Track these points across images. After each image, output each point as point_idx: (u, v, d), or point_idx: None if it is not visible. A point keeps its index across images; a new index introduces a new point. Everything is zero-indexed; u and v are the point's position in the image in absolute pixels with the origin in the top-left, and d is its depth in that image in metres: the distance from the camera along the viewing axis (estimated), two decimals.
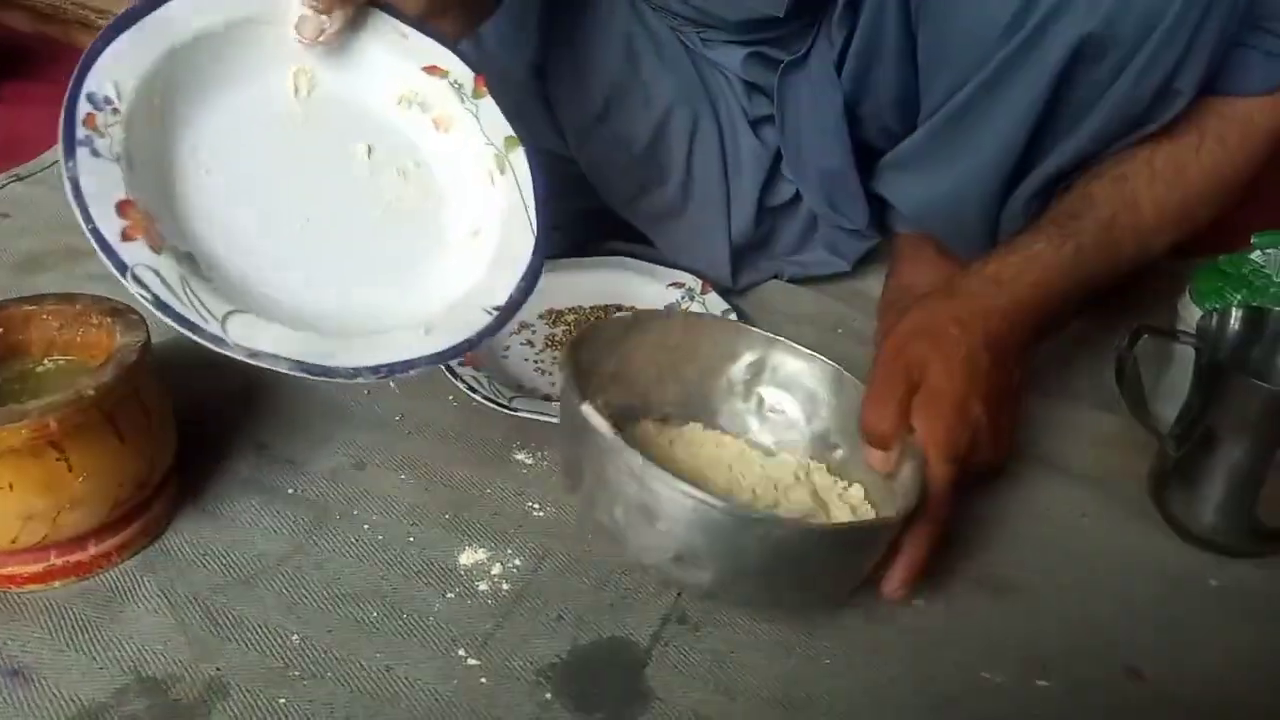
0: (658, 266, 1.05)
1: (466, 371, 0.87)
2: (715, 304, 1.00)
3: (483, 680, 0.64)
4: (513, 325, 0.82)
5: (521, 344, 0.97)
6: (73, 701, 0.61)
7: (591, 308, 1.01)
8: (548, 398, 0.89)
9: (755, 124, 1.01)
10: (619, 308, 1.00)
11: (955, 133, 0.86)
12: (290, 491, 0.78)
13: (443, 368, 0.84)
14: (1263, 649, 0.69)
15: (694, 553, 0.59)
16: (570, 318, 0.99)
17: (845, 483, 0.74)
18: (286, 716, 0.61)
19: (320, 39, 0.65)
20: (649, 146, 0.99)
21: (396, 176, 0.70)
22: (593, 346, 0.71)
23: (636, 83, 0.98)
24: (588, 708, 0.62)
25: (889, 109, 0.94)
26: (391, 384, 0.90)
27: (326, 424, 0.85)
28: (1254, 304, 0.80)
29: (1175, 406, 0.78)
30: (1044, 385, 0.94)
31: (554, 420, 0.78)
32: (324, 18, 0.65)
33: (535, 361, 0.95)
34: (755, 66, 0.98)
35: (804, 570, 0.61)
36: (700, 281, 1.02)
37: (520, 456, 0.83)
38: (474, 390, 0.85)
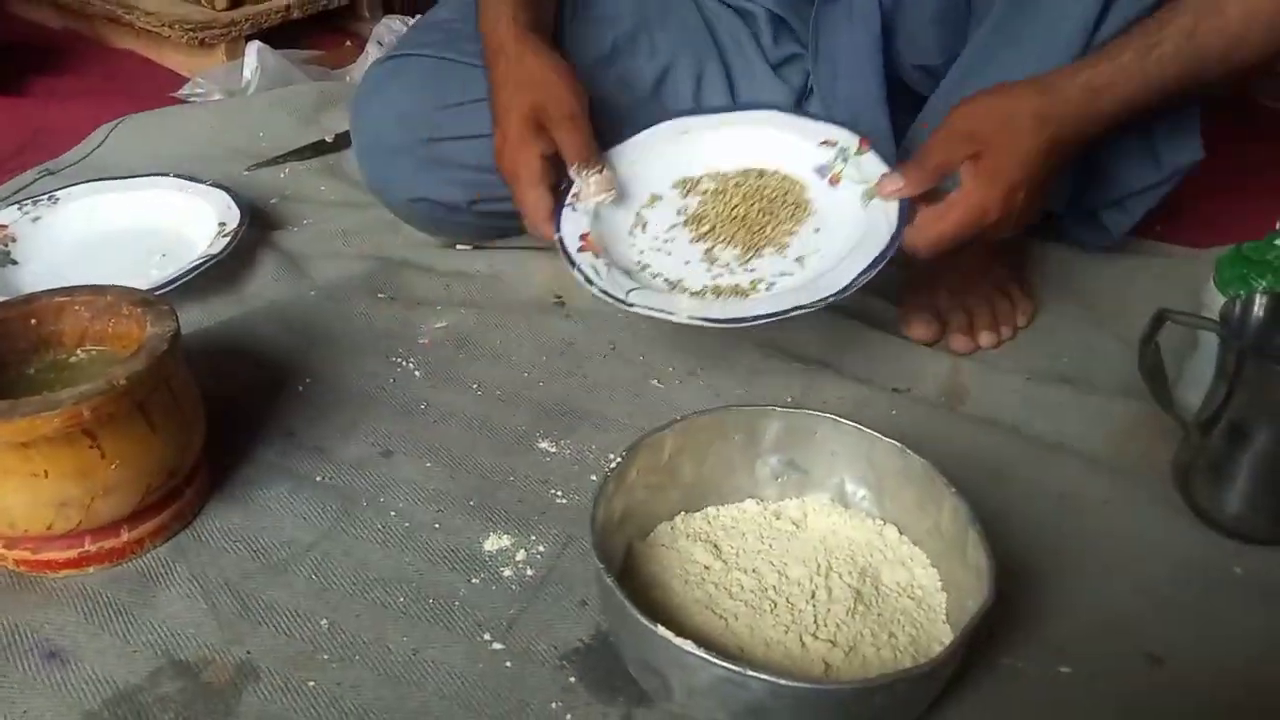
0: (808, 121, 0.94)
1: (585, 259, 0.86)
2: (872, 167, 0.88)
3: (507, 664, 0.65)
4: (643, 197, 0.92)
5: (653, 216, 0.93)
6: (108, 683, 0.63)
7: (734, 172, 0.93)
8: (669, 281, 0.86)
9: (778, 66, 1.02)
10: (761, 173, 0.92)
11: (1022, 19, 0.86)
12: (318, 479, 0.79)
13: (563, 255, 0.87)
14: None
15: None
16: (708, 186, 0.93)
17: (880, 522, 0.72)
18: (315, 699, 0.62)
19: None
20: (653, 90, 1.02)
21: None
22: (606, 507, 0.67)
23: (643, 33, 1.02)
24: (611, 691, 0.63)
25: (929, 28, 0.94)
26: (416, 372, 0.91)
27: (353, 412, 0.86)
28: (1278, 290, 0.79)
29: (1199, 394, 0.78)
30: (1065, 372, 0.94)
31: (670, 317, 0.80)
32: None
33: (664, 238, 0.90)
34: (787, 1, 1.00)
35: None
36: (856, 139, 0.90)
37: (544, 445, 0.84)
38: (590, 281, 0.84)
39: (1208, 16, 0.79)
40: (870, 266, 0.80)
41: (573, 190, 0.89)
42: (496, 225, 1.08)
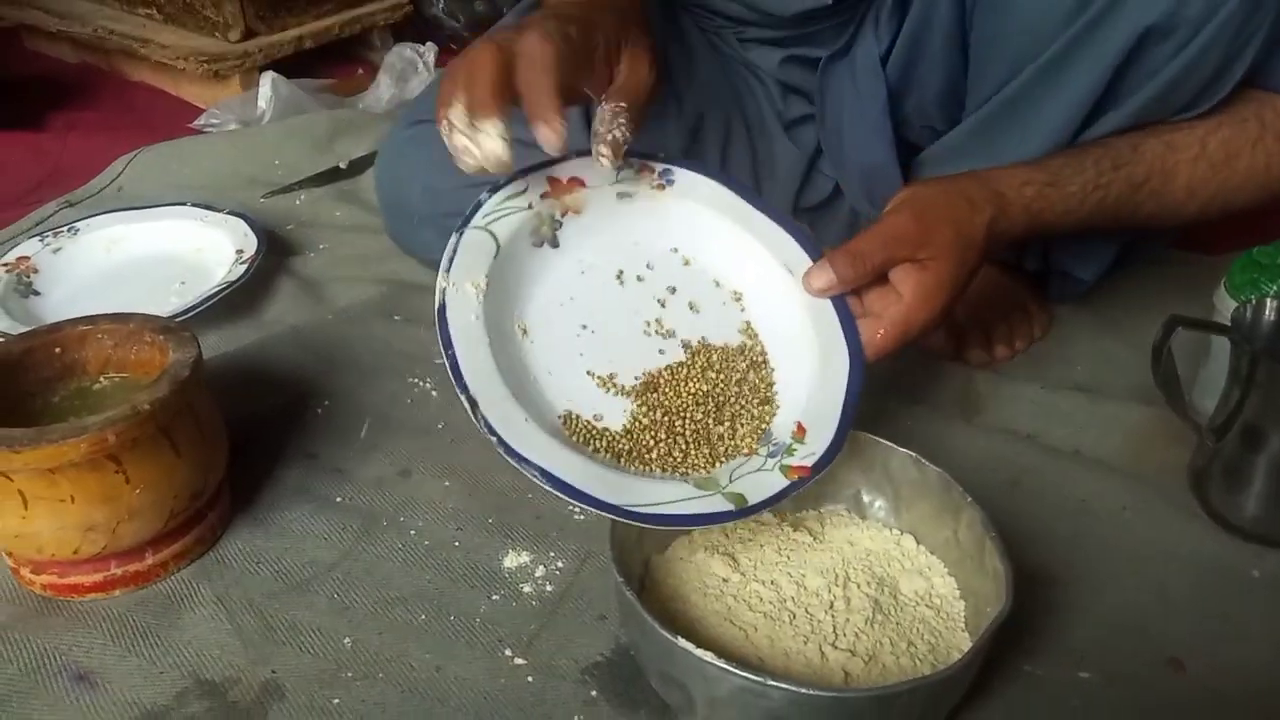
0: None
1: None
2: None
3: (529, 679, 0.65)
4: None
5: None
6: (135, 705, 0.64)
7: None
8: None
9: (789, 126, 1.02)
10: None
11: (1008, 120, 0.86)
12: (339, 500, 0.80)
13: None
14: None
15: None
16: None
17: (897, 532, 0.72)
18: (341, 716, 0.63)
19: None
20: (684, 155, 1.01)
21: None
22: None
23: (669, 92, 0.99)
24: (632, 704, 0.64)
25: (934, 103, 0.94)
26: (433, 392, 0.92)
27: (372, 434, 0.87)
28: None
29: (1214, 399, 0.79)
30: (1080, 380, 0.94)
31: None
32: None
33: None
34: (792, 67, 0.99)
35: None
36: None
37: None
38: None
39: (1157, 179, 0.81)
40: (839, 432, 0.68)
41: None
42: None
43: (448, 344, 0.65)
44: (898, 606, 0.66)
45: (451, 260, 0.68)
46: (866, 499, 0.74)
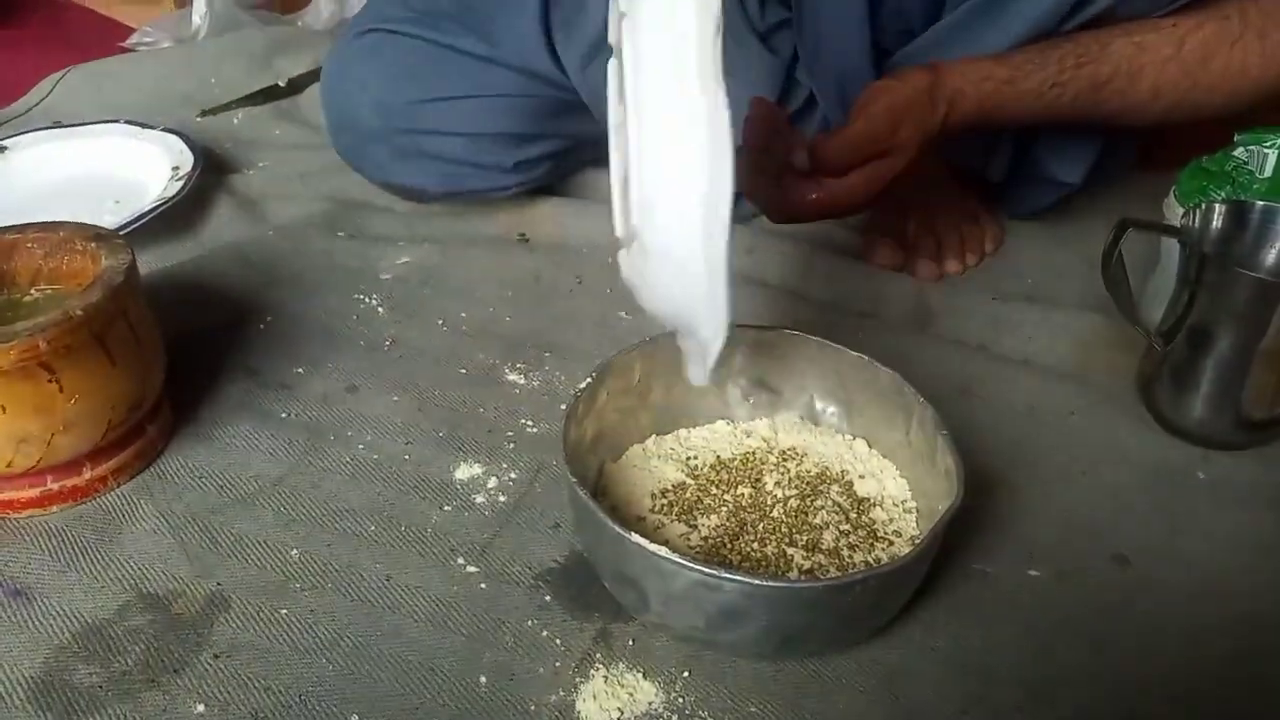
0: None
1: None
2: None
3: (482, 586, 0.65)
4: None
5: None
6: (76, 618, 0.62)
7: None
8: None
9: (767, 34, 0.99)
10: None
11: (996, 9, 0.85)
12: (284, 415, 0.78)
13: None
14: (1246, 535, 0.70)
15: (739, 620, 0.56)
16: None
17: (850, 437, 0.72)
18: (288, 626, 0.62)
19: None
20: None
21: None
22: (577, 428, 0.66)
23: None
24: (586, 608, 0.63)
25: (915, 1, 0.93)
26: (379, 309, 0.90)
27: (316, 350, 0.85)
28: (1237, 199, 0.80)
29: (1161, 310, 0.79)
30: (1030, 292, 0.95)
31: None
32: None
33: None
34: None
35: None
36: None
37: (513, 377, 0.83)
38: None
39: (1121, 79, 0.81)
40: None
41: None
42: (457, 192, 1.06)
43: None
44: (852, 508, 0.67)
45: None
46: (819, 405, 0.73)
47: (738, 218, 0.55)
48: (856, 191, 0.78)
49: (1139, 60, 0.80)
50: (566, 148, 1.04)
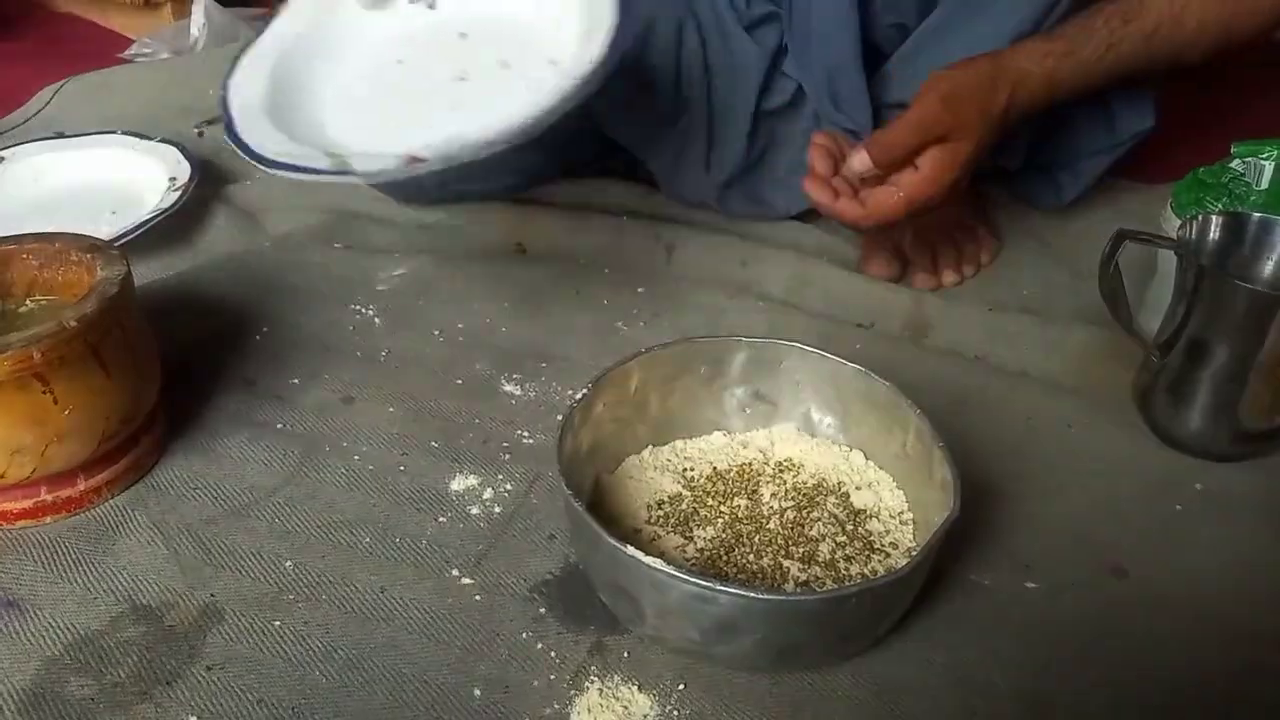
0: None
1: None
2: None
3: (476, 598, 0.64)
4: None
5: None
6: (69, 629, 0.62)
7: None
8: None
9: (752, 26, 0.99)
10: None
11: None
12: (279, 426, 0.78)
13: None
14: (1244, 546, 0.70)
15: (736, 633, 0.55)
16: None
17: (846, 448, 0.72)
18: (282, 638, 0.62)
19: None
20: (635, 61, 0.99)
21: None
22: (573, 439, 0.65)
23: None
24: (581, 620, 0.63)
25: None
26: (376, 320, 0.90)
27: (312, 361, 0.85)
28: (1234, 210, 0.80)
29: (1158, 321, 0.79)
30: (1027, 304, 0.95)
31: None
32: None
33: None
34: None
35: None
36: None
37: (509, 388, 0.83)
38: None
39: (1167, 25, 0.84)
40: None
41: None
42: (454, 193, 1.06)
43: None
44: (848, 519, 0.66)
45: None
46: (816, 417, 0.73)
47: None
48: (930, 181, 0.81)
49: (1179, 2, 0.83)
50: (565, 141, 1.03)
